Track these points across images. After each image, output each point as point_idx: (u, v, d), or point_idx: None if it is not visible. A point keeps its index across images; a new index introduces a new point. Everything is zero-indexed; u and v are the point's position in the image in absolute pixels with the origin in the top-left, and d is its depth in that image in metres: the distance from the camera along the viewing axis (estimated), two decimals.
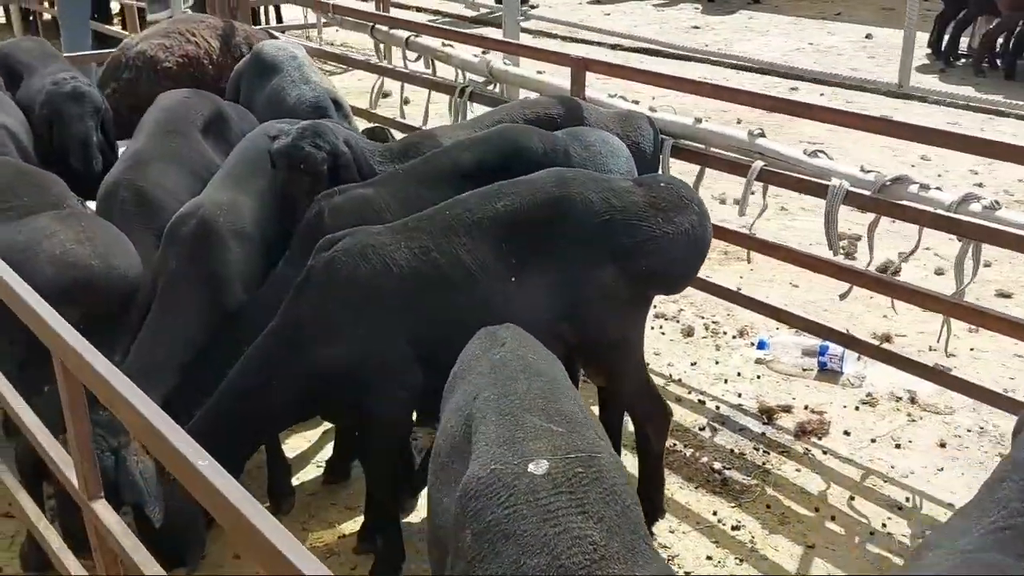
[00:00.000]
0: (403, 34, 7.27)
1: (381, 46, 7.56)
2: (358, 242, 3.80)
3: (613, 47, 13.91)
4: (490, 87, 6.77)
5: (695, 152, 5.53)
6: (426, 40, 7.16)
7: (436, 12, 16.19)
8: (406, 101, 7.49)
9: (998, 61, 12.39)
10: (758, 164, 5.14)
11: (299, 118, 5.73)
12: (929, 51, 13.26)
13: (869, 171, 4.87)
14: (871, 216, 4.92)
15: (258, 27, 8.59)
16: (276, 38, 7.76)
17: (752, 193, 5.32)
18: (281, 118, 5.69)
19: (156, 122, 5.08)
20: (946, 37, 12.94)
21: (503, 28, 7.27)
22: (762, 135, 5.31)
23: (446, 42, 7.02)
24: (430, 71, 7.33)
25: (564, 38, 14.50)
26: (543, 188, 3.90)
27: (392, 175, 4.47)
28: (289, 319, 3.78)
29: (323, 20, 8.42)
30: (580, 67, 5.91)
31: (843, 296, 5.18)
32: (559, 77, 6.37)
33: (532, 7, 16.00)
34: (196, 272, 4.19)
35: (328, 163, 4.52)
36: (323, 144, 4.51)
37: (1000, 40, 12.36)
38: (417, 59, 7.37)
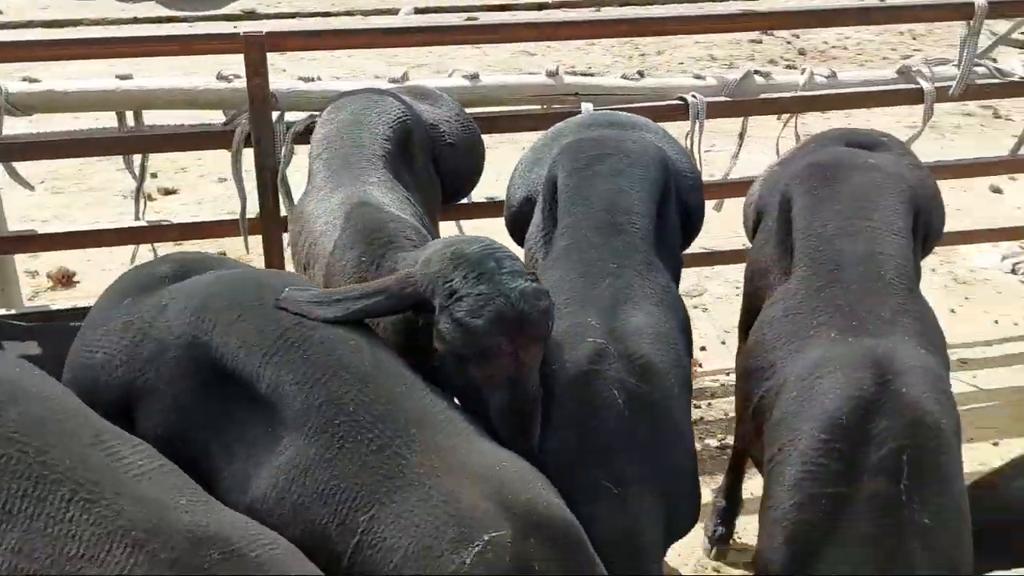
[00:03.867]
0: None
1: None
2: None
3: None
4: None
5: None
6: None
7: None
8: None
9: None
10: (587, 107, 4.23)
11: None
12: None
13: (699, 76, 4.51)
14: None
15: None
16: None
17: None
18: None
19: None
20: None
21: None
22: (560, 73, 4.34)
23: None
24: None
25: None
26: None
27: None
28: None
29: None
30: (257, 48, 3.80)
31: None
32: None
33: None
34: None
35: None
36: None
37: None
38: None
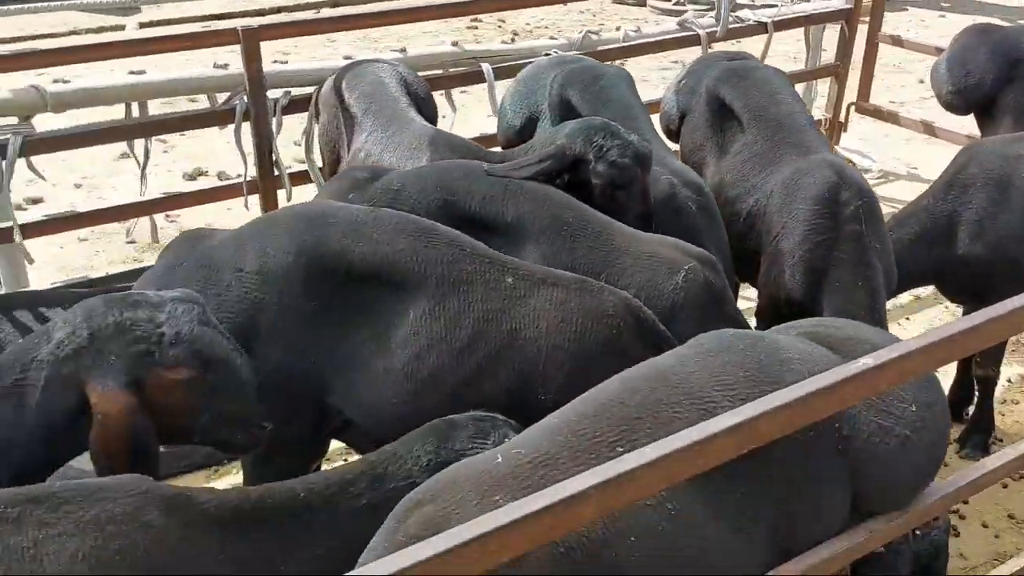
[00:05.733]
0: None
1: None
2: None
3: None
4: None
5: None
6: None
7: None
8: None
9: None
10: (486, 67, 5.52)
11: None
12: None
13: (554, 37, 5.90)
14: None
15: None
16: None
17: None
18: None
19: None
20: None
21: None
22: (459, 44, 5.56)
23: None
24: None
25: None
26: None
27: None
28: None
29: None
30: (254, 39, 4.71)
31: None
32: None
33: None
34: None
35: None
36: None
37: None
38: None
